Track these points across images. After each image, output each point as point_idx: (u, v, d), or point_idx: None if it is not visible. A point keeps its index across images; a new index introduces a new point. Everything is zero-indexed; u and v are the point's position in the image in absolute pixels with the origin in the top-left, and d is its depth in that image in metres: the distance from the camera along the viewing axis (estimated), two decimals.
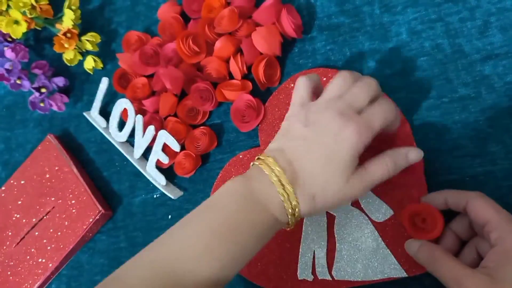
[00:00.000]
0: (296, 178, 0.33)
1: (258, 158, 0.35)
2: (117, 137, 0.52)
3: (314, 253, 0.41)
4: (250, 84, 0.47)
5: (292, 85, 0.46)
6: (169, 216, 0.49)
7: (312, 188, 0.33)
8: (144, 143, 0.49)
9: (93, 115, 0.54)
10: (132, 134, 0.51)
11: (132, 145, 0.52)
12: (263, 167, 0.33)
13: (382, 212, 0.40)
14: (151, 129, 0.48)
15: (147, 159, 0.50)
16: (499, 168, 0.38)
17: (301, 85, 0.37)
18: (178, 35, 0.48)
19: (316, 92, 0.37)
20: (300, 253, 0.41)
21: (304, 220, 0.42)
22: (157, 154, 0.48)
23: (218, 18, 0.47)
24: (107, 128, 0.54)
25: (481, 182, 0.38)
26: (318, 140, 0.33)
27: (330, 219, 0.41)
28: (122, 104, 0.51)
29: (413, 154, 0.35)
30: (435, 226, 0.36)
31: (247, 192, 0.33)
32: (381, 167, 0.34)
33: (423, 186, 0.38)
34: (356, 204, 0.41)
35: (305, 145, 0.34)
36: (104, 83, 0.53)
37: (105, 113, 0.54)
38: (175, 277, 0.31)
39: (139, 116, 0.49)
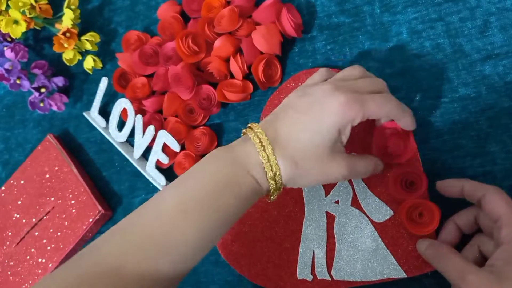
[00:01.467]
0: (278, 141, 0.33)
1: (247, 127, 0.35)
2: (116, 137, 0.52)
3: (313, 253, 0.41)
4: (250, 85, 0.47)
5: (293, 84, 0.45)
6: None
7: (293, 152, 0.33)
8: (144, 143, 0.49)
9: (93, 115, 0.54)
10: (131, 134, 0.51)
11: (132, 145, 0.52)
12: (247, 131, 0.34)
13: (382, 212, 0.40)
14: (151, 129, 0.48)
15: (147, 159, 0.50)
16: (499, 168, 0.38)
17: (318, 72, 0.38)
18: (177, 34, 0.48)
19: None
20: (299, 253, 0.41)
21: (304, 220, 0.42)
22: (157, 154, 0.48)
23: (218, 18, 0.47)
24: (106, 128, 0.54)
25: (481, 182, 0.38)
26: (307, 109, 0.33)
27: (330, 219, 0.41)
28: (122, 104, 0.51)
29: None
30: (432, 221, 0.36)
31: (228, 156, 0.33)
32: (367, 162, 0.36)
33: (424, 184, 0.38)
34: (356, 204, 0.41)
35: (294, 114, 0.34)
36: (103, 82, 0.53)
37: (104, 113, 0.54)
38: (150, 240, 0.31)
39: (139, 116, 0.49)
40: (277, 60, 0.47)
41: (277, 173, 0.33)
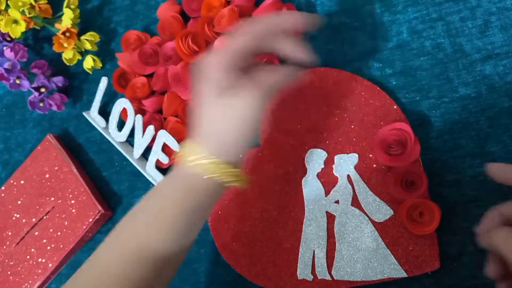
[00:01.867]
0: (195, 132, 0.34)
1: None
2: (116, 137, 0.52)
3: (314, 253, 0.41)
4: None
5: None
6: None
7: (202, 129, 0.34)
8: (143, 143, 0.49)
9: (93, 115, 0.54)
10: (131, 134, 0.51)
11: (132, 145, 0.52)
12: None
13: (382, 212, 0.40)
14: (150, 129, 0.48)
15: (146, 159, 0.50)
16: None
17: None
18: (177, 34, 0.48)
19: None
20: (300, 252, 0.41)
21: (304, 220, 0.42)
22: (156, 154, 0.48)
23: (217, 17, 0.47)
24: (106, 128, 0.53)
25: (481, 182, 0.38)
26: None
27: (330, 219, 0.41)
28: (122, 103, 0.51)
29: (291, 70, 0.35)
30: (432, 220, 0.36)
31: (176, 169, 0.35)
32: (270, 72, 0.34)
33: (425, 184, 0.38)
34: (356, 203, 0.41)
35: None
36: (103, 82, 0.53)
37: (104, 112, 0.54)
38: (139, 251, 0.34)
39: (139, 116, 0.49)
40: (277, 60, 0.47)
41: (206, 156, 0.33)
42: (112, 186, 0.53)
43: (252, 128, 0.34)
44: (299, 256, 0.41)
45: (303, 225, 0.42)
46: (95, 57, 0.56)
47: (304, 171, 0.43)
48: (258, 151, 0.46)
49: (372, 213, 0.40)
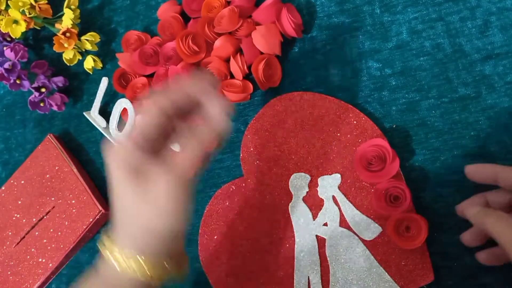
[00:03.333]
0: (112, 223, 0.32)
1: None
2: (117, 137, 0.52)
3: (308, 279, 0.41)
4: (250, 85, 0.47)
5: (278, 107, 0.45)
6: None
7: (116, 221, 0.31)
8: None
9: (93, 115, 0.54)
10: None
11: None
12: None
13: (371, 230, 0.39)
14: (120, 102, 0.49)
15: None
16: None
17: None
18: (177, 34, 0.48)
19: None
20: (295, 280, 0.41)
21: (295, 246, 0.42)
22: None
23: (218, 18, 0.47)
24: (107, 128, 0.54)
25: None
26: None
27: (321, 242, 0.41)
28: (122, 103, 0.51)
29: (219, 124, 0.30)
30: (419, 233, 0.36)
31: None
32: (185, 155, 0.30)
33: (408, 198, 0.38)
34: (344, 224, 0.41)
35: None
36: (104, 82, 0.53)
37: (104, 112, 0.54)
38: None
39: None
40: (277, 60, 0.47)
41: (124, 256, 0.30)
42: None
43: (170, 214, 0.30)
44: (294, 284, 0.41)
45: (295, 252, 0.42)
46: (95, 57, 0.57)
47: (289, 197, 0.43)
48: (242, 181, 0.45)
49: (361, 232, 0.40)
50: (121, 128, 0.52)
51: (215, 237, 0.45)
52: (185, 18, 0.52)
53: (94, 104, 0.54)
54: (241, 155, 0.46)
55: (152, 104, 0.31)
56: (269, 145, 0.45)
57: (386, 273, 0.38)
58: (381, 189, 0.38)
